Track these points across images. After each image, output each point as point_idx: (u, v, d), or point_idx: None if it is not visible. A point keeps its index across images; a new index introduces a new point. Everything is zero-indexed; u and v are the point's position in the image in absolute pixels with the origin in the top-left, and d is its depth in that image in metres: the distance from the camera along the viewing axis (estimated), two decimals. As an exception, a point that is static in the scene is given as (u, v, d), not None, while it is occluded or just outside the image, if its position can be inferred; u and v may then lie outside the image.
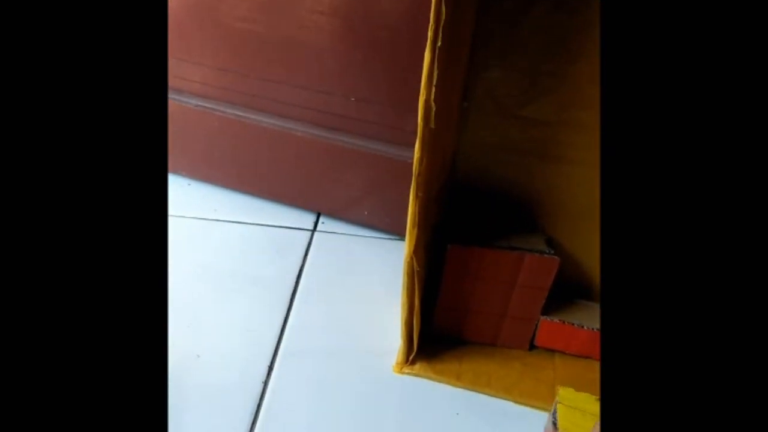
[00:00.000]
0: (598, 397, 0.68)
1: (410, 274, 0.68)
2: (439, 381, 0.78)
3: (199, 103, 1.00)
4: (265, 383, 0.76)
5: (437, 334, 0.81)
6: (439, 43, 0.53)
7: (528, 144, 0.72)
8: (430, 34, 0.53)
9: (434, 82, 0.56)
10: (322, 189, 1.00)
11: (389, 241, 1.00)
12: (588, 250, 0.79)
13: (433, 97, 0.56)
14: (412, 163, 0.62)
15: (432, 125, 0.58)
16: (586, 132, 0.68)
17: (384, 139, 0.92)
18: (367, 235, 1.01)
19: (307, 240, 0.99)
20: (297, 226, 1.02)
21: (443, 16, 0.52)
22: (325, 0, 0.82)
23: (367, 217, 1.00)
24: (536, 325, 0.80)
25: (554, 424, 0.65)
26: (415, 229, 0.64)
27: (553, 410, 0.67)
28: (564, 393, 0.68)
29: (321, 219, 1.03)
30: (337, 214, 1.03)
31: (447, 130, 0.67)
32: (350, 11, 0.82)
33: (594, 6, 0.61)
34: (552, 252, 0.73)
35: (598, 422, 0.58)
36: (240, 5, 0.87)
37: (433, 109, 0.57)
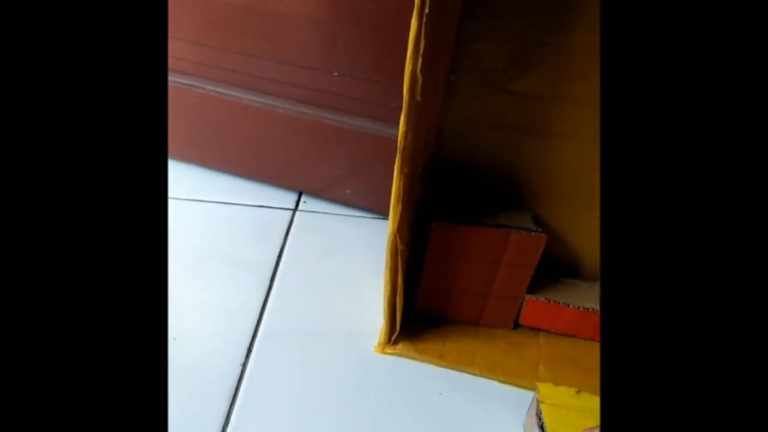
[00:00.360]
0: (578, 389, 0.67)
1: (394, 253, 0.67)
2: (422, 361, 0.77)
3: (177, 80, 0.96)
4: (244, 365, 0.74)
5: (420, 314, 0.80)
6: (427, 10, 0.51)
7: (517, 119, 0.71)
8: (417, 3, 0.51)
9: (421, 52, 0.54)
10: (304, 167, 0.98)
11: (372, 219, 0.99)
12: (575, 229, 0.79)
13: (419, 68, 0.54)
14: (396, 141, 0.60)
15: (418, 98, 0.56)
16: (579, 106, 0.66)
17: (368, 116, 0.90)
18: (349, 214, 0.99)
19: (288, 219, 0.97)
20: (278, 206, 0.99)
21: (430, -15, 0.50)
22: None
23: (350, 195, 0.98)
24: (521, 304, 0.79)
25: (541, 427, 0.64)
26: (399, 206, 0.62)
27: (536, 410, 0.66)
28: (544, 390, 0.67)
29: (303, 198, 1.01)
30: (319, 193, 1.01)
31: (433, 103, 0.65)
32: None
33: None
34: (539, 230, 0.72)
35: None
36: (218, -25, 0.84)
37: (420, 81, 0.55)
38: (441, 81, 0.68)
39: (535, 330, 0.82)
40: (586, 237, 0.79)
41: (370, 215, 0.99)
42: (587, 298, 0.79)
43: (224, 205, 0.99)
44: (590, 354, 0.80)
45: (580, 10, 0.61)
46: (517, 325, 0.82)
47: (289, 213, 0.98)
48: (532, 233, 0.72)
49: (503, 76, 0.68)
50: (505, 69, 0.68)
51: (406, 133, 0.58)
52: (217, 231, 0.93)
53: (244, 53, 0.90)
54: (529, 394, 0.73)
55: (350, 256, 0.91)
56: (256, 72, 0.91)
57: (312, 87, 0.90)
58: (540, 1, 0.62)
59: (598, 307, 0.78)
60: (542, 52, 0.66)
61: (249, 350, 0.76)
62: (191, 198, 0.99)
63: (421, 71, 0.55)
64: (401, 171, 0.60)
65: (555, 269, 0.81)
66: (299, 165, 0.98)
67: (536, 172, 0.73)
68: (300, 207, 1.00)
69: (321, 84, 0.89)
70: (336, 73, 0.88)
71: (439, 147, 0.74)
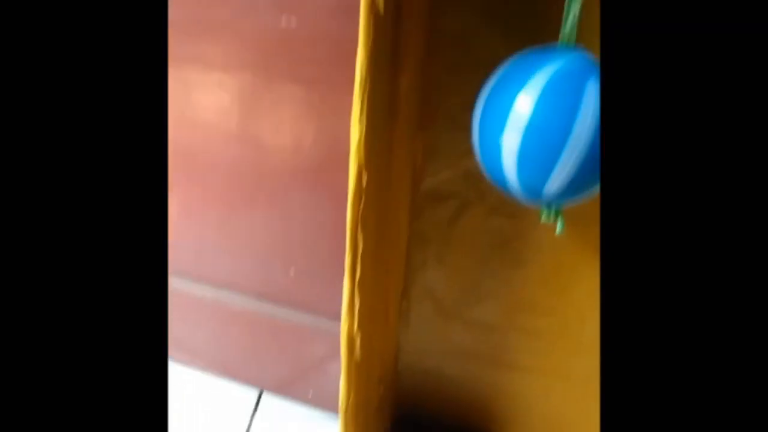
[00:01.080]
0: None
1: None
2: None
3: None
4: None
5: None
6: (358, 275, 0.47)
7: (475, 348, 0.65)
8: (347, 262, 0.47)
9: (356, 312, 0.49)
10: (262, 365, 0.91)
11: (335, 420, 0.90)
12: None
13: (356, 326, 0.49)
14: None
15: (357, 358, 0.50)
16: (539, 338, 0.61)
17: (326, 314, 0.84)
18: (312, 415, 0.91)
19: (247, 425, 0.88)
20: (236, 407, 0.91)
21: (360, 248, 0.46)
22: (267, 172, 0.77)
23: (312, 397, 0.90)
24: None
25: None
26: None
27: None
28: None
29: (263, 396, 0.93)
30: (279, 392, 0.93)
31: (382, 340, 0.60)
32: (289, 184, 0.77)
33: (534, 211, 0.55)
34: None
35: None
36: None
37: (358, 339, 0.50)
38: (392, 310, 0.62)
39: None
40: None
41: (334, 415, 0.91)
42: None
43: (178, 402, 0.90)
44: None
45: (529, 245, 0.57)
46: None
47: (248, 418, 0.89)
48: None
49: (456, 303, 0.63)
50: (458, 297, 0.63)
51: (347, 394, 0.52)
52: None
53: (197, 248, 0.86)
54: None
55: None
56: (210, 266, 0.87)
57: (268, 283, 0.85)
58: (487, 235, 0.58)
59: None
60: (495, 283, 0.61)
61: None
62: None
63: (358, 328, 0.50)
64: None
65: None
66: (257, 362, 0.91)
67: (499, 402, 0.66)
68: (259, 408, 0.91)
69: (277, 281, 0.84)
70: (292, 271, 0.83)
71: (396, 374, 0.67)
